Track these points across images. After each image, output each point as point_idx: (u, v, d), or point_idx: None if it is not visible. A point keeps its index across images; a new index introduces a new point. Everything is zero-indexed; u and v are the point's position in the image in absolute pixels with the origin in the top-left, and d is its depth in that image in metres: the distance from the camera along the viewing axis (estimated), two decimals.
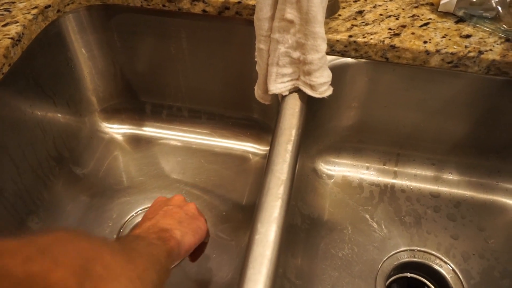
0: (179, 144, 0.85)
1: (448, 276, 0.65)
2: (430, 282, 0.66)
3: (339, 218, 0.70)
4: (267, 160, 0.52)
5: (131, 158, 0.83)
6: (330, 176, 0.74)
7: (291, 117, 0.56)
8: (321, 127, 0.70)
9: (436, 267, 0.66)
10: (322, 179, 0.74)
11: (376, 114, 0.69)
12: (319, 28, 0.51)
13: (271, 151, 0.52)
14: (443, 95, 0.65)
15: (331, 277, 0.64)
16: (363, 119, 0.70)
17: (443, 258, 0.66)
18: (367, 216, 0.70)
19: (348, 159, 0.75)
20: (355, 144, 0.74)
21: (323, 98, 0.61)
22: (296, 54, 0.53)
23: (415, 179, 0.73)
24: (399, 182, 0.74)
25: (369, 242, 0.68)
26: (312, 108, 0.64)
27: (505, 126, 0.67)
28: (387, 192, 0.73)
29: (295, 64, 0.55)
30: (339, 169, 0.75)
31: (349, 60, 0.62)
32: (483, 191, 0.72)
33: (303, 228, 0.67)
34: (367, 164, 0.75)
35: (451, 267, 0.65)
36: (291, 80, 0.56)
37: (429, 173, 0.73)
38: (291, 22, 0.51)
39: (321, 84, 0.54)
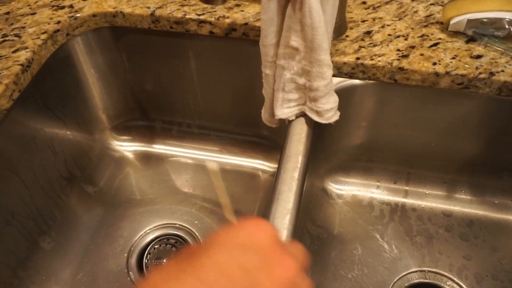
0: (189, 161, 0.85)
1: None
2: None
3: (348, 238, 0.69)
4: (273, 187, 0.51)
5: (142, 175, 0.84)
6: (339, 196, 0.74)
7: (297, 143, 0.55)
8: (330, 147, 0.70)
9: None
10: (332, 199, 0.73)
11: (386, 133, 0.68)
12: (325, 56, 0.50)
13: (277, 179, 0.52)
14: (453, 115, 0.64)
15: None
16: (372, 138, 0.69)
17: (455, 279, 0.65)
18: (378, 235, 0.70)
19: (358, 178, 0.74)
20: (365, 163, 0.73)
21: None
22: (301, 81, 0.53)
23: (426, 198, 0.72)
24: (410, 201, 0.73)
25: (379, 262, 0.67)
26: (321, 129, 0.64)
27: None
28: (397, 211, 0.72)
29: (301, 90, 0.54)
30: (349, 188, 0.74)
31: (356, 82, 0.62)
32: (497, 210, 0.70)
33: (312, 249, 0.67)
34: (377, 183, 0.74)
35: None
36: (298, 105, 0.56)
37: (440, 192, 0.72)
38: (296, 49, 0.51)
39: (328, 110, 0.54)
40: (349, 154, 0.72)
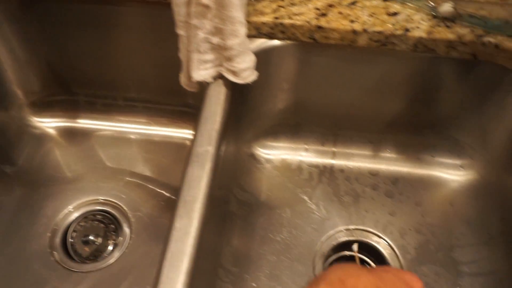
0: (116, 135, 0.82)
1: (385, 252, 0.65)
2: (370, 259, 0.67)
3: (277, 202, 0.69)
4: (190, 151, 0.50)
5: (65, 152, 0.80)
6: (268, 160, 0.73)
7: (215, 105, 0.54)
8: (255, 111, 0.69)
9: (374, 244, 0.66)
10: (260, 164, 0.73)
11: (310, 95, 0.68)
12: (236, 13, 0.49)
13: (194, 142, 0.51)
14: (375, 74, 0.64)
15: (269, 262, 0.64)
16: (298, 101, 0.69)
17: (380, 235, 0.67)
18: (306, 198, 0.70)
19: (286, 142, 0.74)
20: (293, 127, 0.73)
21: (252, 82, 0.60)
22: (215, 40, 0.51)
23: (353, 158, 0.73)
24: (338, 162, 0.73)
25: (307, 224, 0.68)
26: (242, 92, 0.63)
27: (437, 102, 0.67)
28: (326, 173, 0.72)
29: (216, 50, 0.53)
30: (277, 153, 0.74)
31: (276, 42, 0.60)
32: (420, 166, 0.72)
33: (240, 214, 0.67)
34: (305, 146, 0.74)
35: (388, 243, 0.66)
36: (214, 66, 0.54)
37: (367, 151, 0.74)
38: (207, 7, 0.49)
39: (244, 70, 0.53)
40: (275, 118, 0.72)
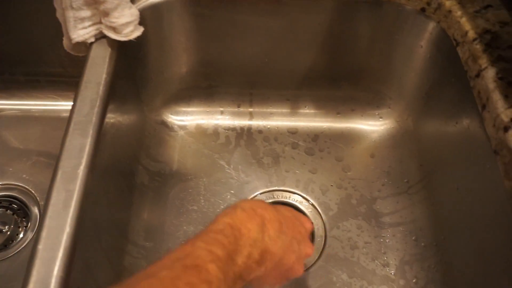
0: (19, 113, 0.75)
1: (307, 211, 0.63)
2: None
3: (193, 170, 0.66)
4: (69, 118, 0.45)
5: None
6: (182, 127, 0.69)
7: (98, 67, 0.49)
8: (160, 75, 0.64)
9: (296, 204, 0.64)
10: (174, 131, 0.68)
11: (217, 53, 0.64)
12: None
13: (73, 109, 0.46)
14: (280, 25, 0.61)
15: (186, 233, 0.61)
16: (205, 61, 0.65)
17: (302, 194, 0.64)
18: (224, 163, 0.66)
19: (200, 106, 0.70)
20: (206, 89, 0.69)
21: (146, 42, 0.55)
22: None
23: (271, 117, 0.70)
24: (255, 123, 0.70)
25: (226, 190, 0.64)
26: (138, 54, 0.58)
27: (349, 52, 0.64)
28: (243, 135, 0.69)
29: (91, 5, 0.47)
30: (192, 118, 0.70)
31: None
32: (340, 120, 0.70)
33: (152, 186, 0.62)
34: (221, 109, 0.70)
35: (310, 202, 0.64)
36: (93, 24, 0.49)
37: (285, 109, 0.70)
38: None
39: (124, 25, 0.48)
40: (185, 82, 0.67)
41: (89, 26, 0.49)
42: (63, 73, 0.74)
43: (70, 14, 0.48)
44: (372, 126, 0.69)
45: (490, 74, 0.45)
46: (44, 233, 0.39)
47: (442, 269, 0.55)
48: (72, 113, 0.46)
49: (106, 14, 0.47)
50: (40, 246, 0.38)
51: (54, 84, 0.75)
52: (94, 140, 0.44)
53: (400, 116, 0.67)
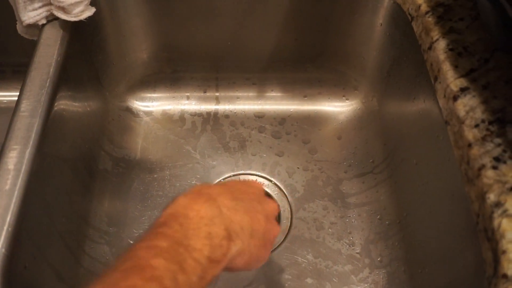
0: None
1: (274, 194, 0.63)
2: None
3: (159, 156, 0.65)
4: (16, 103, 0.45)
5: None
6: (148, 113, 0.68)
7: (49, 49, 0.48)
8: (121, 61, 0.64)
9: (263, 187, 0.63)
10: (139, 117, 0.68)
11: (180, 37, 0.63)
12: None
13: (21, 93, 0.45)
14: (242, 7, 0.60)
15: (150, 217, 0.60)
16: (168, 45, 0.64)
17: (268, 177, 0.64)
18: (190, 148, 0.66)
19: (165, 92, 0.69)
20: (171, 75, 0.68)
21: (103, 25, 0.54)
22: None
23: (238, 102, 0.70)
24: (222, 107, 0.70)
25: (192, 174, 0.64)
26: (95, 38, 0.57)
27: (313, 33, 0.64)
28: (210, 120, 0.69)
29: None
30: (157, 104, 0.69)
31: None
32: (306, 103, 0.70)
33: (116, 172, 0.62)
34: (187, 94, 0.70)
35: (277, 184, 0.63)
36: (43, 5, 0.49)
37: (251, 93, 0.70)
38: None
39: (73, 5, 0.47)
40: (149, 67, 0.67)
41: (39, 7, 0.48)
42: (28, 63, 0.73)
43: None
44: (339, 108, 0.69)
45: (441, 45, 0.45)
46: None
47: (405, 246, 0.55)
48: (21, 93, 0.45)
49: None
50: None
51: (20, 74, 0.74)
52: (43, 120, 0.44)
53: (366, 97, 0.67)
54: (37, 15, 0.49)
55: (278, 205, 0.45)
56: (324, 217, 0.61)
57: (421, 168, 0.51)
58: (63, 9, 0.47)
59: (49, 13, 0.49)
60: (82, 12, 0.48)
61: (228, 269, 0.35)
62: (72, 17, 0.48)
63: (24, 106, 0.44)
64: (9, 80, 0.75)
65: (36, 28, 0.51)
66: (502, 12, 0.37)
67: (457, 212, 0.43)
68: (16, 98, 0.74)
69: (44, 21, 0.50)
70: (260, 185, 0.45)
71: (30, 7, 0.48)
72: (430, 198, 0.49)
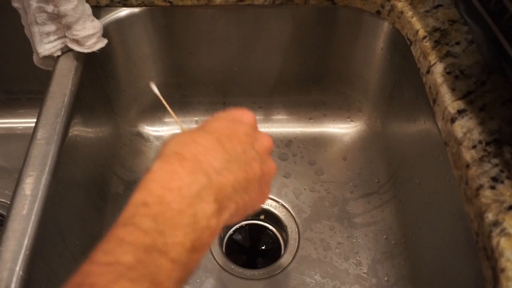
0: (1, 131, 0.77)
1: (281, 215, 0.64)
2: (269, 224, 0.65)
3: None
4: (33, 131, 0.47)
5: None
6: (158, 138, 0.71)
7: (64, 79, 0.51)
8: (132, 87, 0.66)
9: (270, 208, 0.65)
10: (150, 142, 0.70)
11: (188, 63, 0.66)
12: None
13: (38, 118, 0.48)
14: (245, 32, 0.63)
15: None
16: (177, 71, 0.67)
17: (275, 198, 0.65)
18: None
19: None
20: (179, 100, 0.71)
21: (114, 55, 0.57)
22: (50, 8, 0.48)
23: None
24: None
25: None
26: (106, 67, 0.60)
27: (316, 57, 0.66)
28: None
29: (55, 19, 0.49)
30: (167, 129, 0.71)
31: (134, 10, 0.58)
32: (312, 125, 0.71)
33: (128, 195, 0.63)
34: (195, 118, 0.72)
35: (284, 205, 0.65)
36: (59, 38, 0.51)
37: (258, 116, 0.72)
38: None
39: (86, 37, 0.50)
40: (160, 92, 0.69)
41: (55, 40, 0.51)
42: (42, 91, 0.76)
43: (36, 29, 0.50)
44: (344, 129, 0.70)
45: (438, 69, 0.46)
46: (7, 236, 0.40)
47: (410, 264, 0.56)
48: (37, 122, 0.48)
49: (68, 27, 0.49)
50: (2, 248, 0.39)
51: (34, 102, 0.77)
52: (58, 147, 0.46)
53: (369, 119, 0.69)
54: (53, 47, 0.51)
55: (271, 137, 0.37)
56: (331, 237, 0.62)
57: (423, 188, 0.53)
58: (77, 41, 0.50)
59: (63, 45, 0.52)
60: (95, 44, 0.51)
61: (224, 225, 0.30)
62: (85, 49, 0.50)
63: (40, 134, 0.46)
64: (24, 107, 0.78)
65: (52, 59, 0.54)
66: (492, 36, 0.39)
67: (458, 231, 0.43)
68: (30, 125, 0.78)
69: (59, 53, 0.52)
70: (250, 115, 0.37)
71: (46, 40, 0.51)
72: (432, 217, 0.50)
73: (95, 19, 0.51)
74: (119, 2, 0.57)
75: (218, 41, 0.63)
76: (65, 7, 0.47)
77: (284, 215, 0.64)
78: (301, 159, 0.69)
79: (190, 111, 0.72)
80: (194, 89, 0.69)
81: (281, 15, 0.60)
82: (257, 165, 0.33)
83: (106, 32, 0.53)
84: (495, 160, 0.39)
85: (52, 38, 0.51)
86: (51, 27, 0.50)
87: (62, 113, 0.48)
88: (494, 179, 0.38)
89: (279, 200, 0.65)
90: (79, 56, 0.53)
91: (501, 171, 0.39)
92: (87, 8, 0.49)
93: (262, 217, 0.65)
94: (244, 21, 0.61)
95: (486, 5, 0.42)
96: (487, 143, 0.40)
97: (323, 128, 0.71)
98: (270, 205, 0.65)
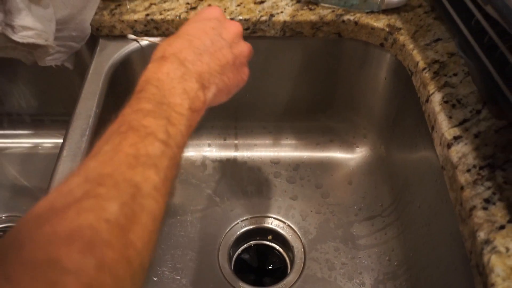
0: (24, 151, 0.82)
1: (288, 236, 0.67)
2: (277, 244, 0.68)
3: (182, 199, 0.70)
4: (60, 147, 0.51)
5: None
6: None
7: (89, 102, 0.55)
8: None
9: (278, 229, 0.67)
10: None
11: None
12: None
13: (65, 137, 0.51)
14: (256, 62, 0.67)
15: (173, 256, 0.64)
16: None
17: (282, 219, 0.68)
18: (210, 192, 0.71)
19: (189, 140, 0.75)
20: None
21: (135, 81, 0.61)
22: None
23: (255, 149, 0.75)
24: (240, 154, 0.75)
25: (212, 217, 0.69)
26: (127, 92, 0.64)
27: (324, 85, 0.70)
28: (229, 166, 0.74)
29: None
30: (186, 149, 0.75)
31: (155, 39, 0.62)
32: (319, 150, 0.75)
33: None
34: (208, 142, 0.76)
35: (291, 226, 0.67)
36: None
37: (267, 141, 0.75)
38: None
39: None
40: None
41: None
42: (65, 113, 0.81)
43: None
44: (349, 155, 0.73)
45: (437, 98, 0.50)
46: None
47: (412, 284, 0.58)
48: (64, 141, 0.51)
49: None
50: None
51: (57, 123, 0.82)
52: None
53: (374, 145, 0.72)
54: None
55: (238, 22, 0.44)
56: (335, 258, 0.64)
57: (423, 210, 0.55)
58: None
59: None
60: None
61: (213, 105, 0.40)
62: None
63: (66, 151, 0.50)
64: (48, 128, 0.82)
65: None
66: (485, 70, 0.43)
67: (455, 250, 0.46)
68: (53, 145, 0.82)
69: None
70: (215, 10, 0.44)
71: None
72: (432, 238, 0.52)
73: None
74: (141, 32, 0.62)
75: None
76: None
77: (291, 235, 0.67)
78: (308, 183, 0.72)
79: (203, 134, 0.75)
80: (208, 114, 0.73)
81: (291, 46, 0.64)
82: (227, 50, 0.40)
83: (129, 59, 0.58)
84: (488, 183, 0.42)
85: None
86: None
87: (87, 133, 0.52)
88: (487, 200, 0.41)
89: (286, 221, 0.68)
90: (104, 82, 0.57)
91: (494, 193, 0.41)
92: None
93: (269, 237, 0.68)
94: (257, 51, 0.65)
95: (480, 41, 0.45)
96: (481, 167, 0.43)
97: (329, 153, 0.74)
98: (278, 226, 0.68)
